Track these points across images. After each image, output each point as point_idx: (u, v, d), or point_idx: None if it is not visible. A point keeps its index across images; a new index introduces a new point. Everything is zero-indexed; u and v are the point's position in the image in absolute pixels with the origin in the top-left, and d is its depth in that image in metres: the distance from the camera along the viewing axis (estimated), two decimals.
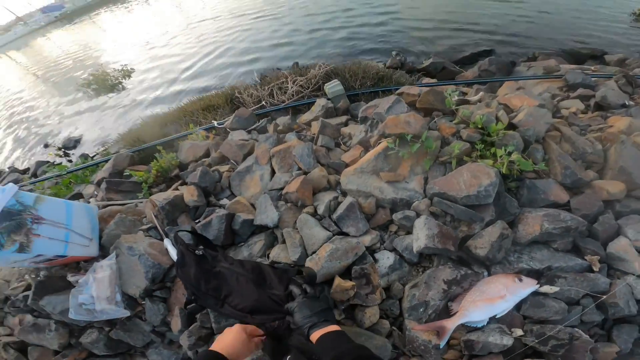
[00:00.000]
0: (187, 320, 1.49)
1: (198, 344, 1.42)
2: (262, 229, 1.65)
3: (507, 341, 1.22)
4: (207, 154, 2.31)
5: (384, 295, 1.40)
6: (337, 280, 1.33)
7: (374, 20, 6.00)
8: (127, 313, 1.47)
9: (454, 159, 1.59)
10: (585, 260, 1.40)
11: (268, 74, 4.45)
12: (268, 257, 1.56)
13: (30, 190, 3.18)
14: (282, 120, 2.66)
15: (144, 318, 1.56)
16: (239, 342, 1.03)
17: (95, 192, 2.45)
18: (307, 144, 1.75)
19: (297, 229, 1.56)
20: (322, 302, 1.12)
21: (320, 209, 1.57)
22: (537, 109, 1.80)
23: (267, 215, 1.57)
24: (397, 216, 1.55)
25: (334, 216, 1.55)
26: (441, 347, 1.23)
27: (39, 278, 1.61)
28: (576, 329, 1.25)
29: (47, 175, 3.16)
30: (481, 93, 2.17)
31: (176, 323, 1.48)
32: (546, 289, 1.31)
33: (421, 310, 1.31)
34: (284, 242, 1.57)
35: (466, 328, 1.29)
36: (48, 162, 4.95)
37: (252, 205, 1.74)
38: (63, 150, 5.33)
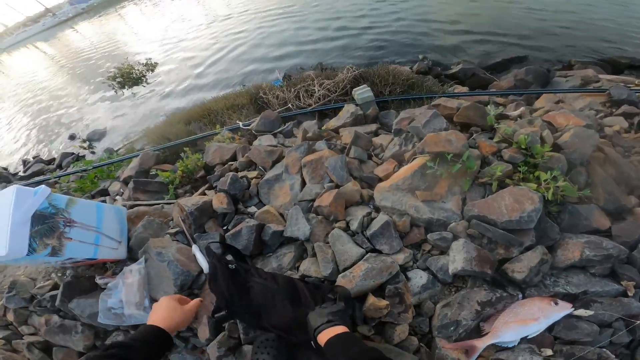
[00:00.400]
0: (215, 328, 1.47)
1: (227, 355, 1.40)
2: (291, 240, 1.61)
3: None
4: (233, 158, 2.28)
5: (414, 312, 1.38)
6: (372, 299, 1.31)
7: (398, 24, 5.86)
8: None
9: (494, 181, 1.53)
10: (621, 285, 1.37)
11: (292, 73, 4.42)
12: (297, 269, 1.53)
13: (55, 184, 3.26)
14: (309, 125, 2.62)
15: None
16: (173, 310, 1.02)
17: (122, 190, 2.47)
18: (340, 156, 1.70)
19: (328, 243, 1.52)
20: (337, 305, 1.10)
21: (354, 225, 1.52)
22: (584, 129, 1.71)
23: (299, 227, 1.53)
24: (432, 236, 1.50)
25: (368, 233, 1.50)
26: None
27: (65, 277, 1.62)
28: (604, 349, 1.24)
29: (73, 169, 3.22)
30: (522, 108, 2.07)
31: (204, 331, 1.46)
32: (581, 312, 1.28)
33: (451, 328, 1.29)
34: (314, 255, 1.53)
35: (495, 347, 1.26)
36: (73, 153, 5.06)
37: (282, 215, 1.71)
38: (88, 142, 5.44)
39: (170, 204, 2.10)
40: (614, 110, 2.45)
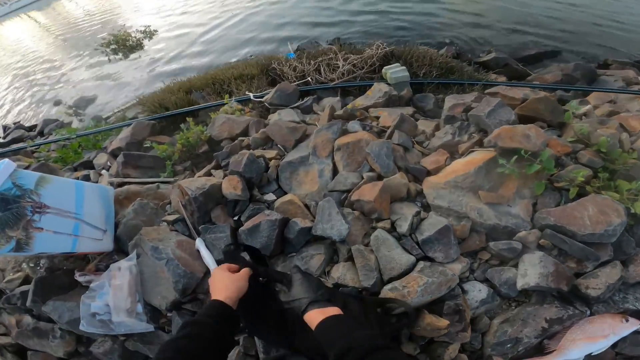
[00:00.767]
0: None
1: None
2: (318, 238, 1.31)
3: None
4: (245, 133, 1.94)
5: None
6: (429, 318, 1.11)
7: (422, 9, 5.45)
8: (150, 327, 1.18)
9: (574, 187, 1.30)
10: None
11: (306, 46, 4.02)
12: (327, 275, 1.24)
13: (33, 153, 2.86)
14: (331, 101, 2.28)
15: (167, 330, 1.26)
16: (228, 280, 0.94)
17: (109, 164, 2.11)
18: (386, 141, 1.38)
19: (369, 246, 1.23)
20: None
21: (403, 227, 1.23)
22: None
23: (332, 225, 1.22)
24: (497, 245, 1.25)
25: (420, 237, 1.21)
26: None
27: (39, 269, 1.29)
28: None
29: (55, 137, 2.82)
30: (588, 106, 1.79)
31: None
32: None
33: (508, 345, 1.18)
34: (348, 259, 1.26)
35: None
36: (57, 120, 4.59)
37: (306, 206, 1.40)
38: (74, 109, 4.95)
39: (167, 183, 1.76)
40: None
